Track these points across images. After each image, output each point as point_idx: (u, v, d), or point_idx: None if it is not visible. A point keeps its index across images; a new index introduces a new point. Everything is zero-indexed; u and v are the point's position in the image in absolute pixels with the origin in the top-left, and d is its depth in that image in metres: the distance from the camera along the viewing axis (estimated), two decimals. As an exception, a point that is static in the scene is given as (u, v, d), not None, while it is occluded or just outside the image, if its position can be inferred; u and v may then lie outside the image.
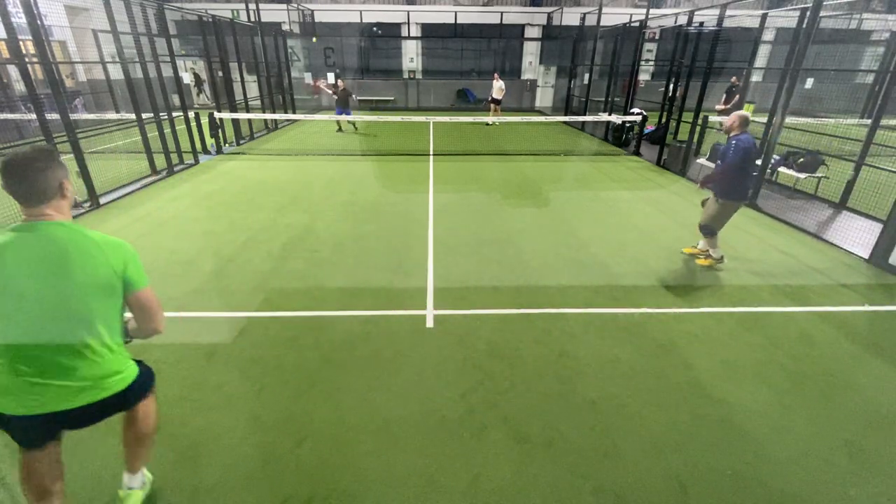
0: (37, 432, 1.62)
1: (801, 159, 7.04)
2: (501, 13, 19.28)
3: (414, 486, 2.23)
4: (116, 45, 7.12)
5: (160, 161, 8.03)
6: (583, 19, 16.35)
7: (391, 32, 19.69)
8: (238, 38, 11.39)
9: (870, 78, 12.89)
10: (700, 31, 8.42)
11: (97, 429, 1.86)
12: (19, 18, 5.67)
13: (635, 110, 10.86)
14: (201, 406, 2.72)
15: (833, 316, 3.79)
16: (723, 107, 11.02)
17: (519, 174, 8.63)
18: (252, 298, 3.94)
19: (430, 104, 19.86)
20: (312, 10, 19.17)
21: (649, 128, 11.03)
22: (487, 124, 14.23)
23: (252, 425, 2.58)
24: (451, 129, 13.64)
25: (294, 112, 15.42)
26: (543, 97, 20.51)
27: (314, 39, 11.16)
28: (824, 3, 5.90)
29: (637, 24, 10.72)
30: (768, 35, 17.21)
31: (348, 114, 12.21)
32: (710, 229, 4.33)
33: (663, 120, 9.84)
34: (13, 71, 11.18)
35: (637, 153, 10.53)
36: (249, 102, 12.30)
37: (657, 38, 18.30)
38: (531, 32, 19.87)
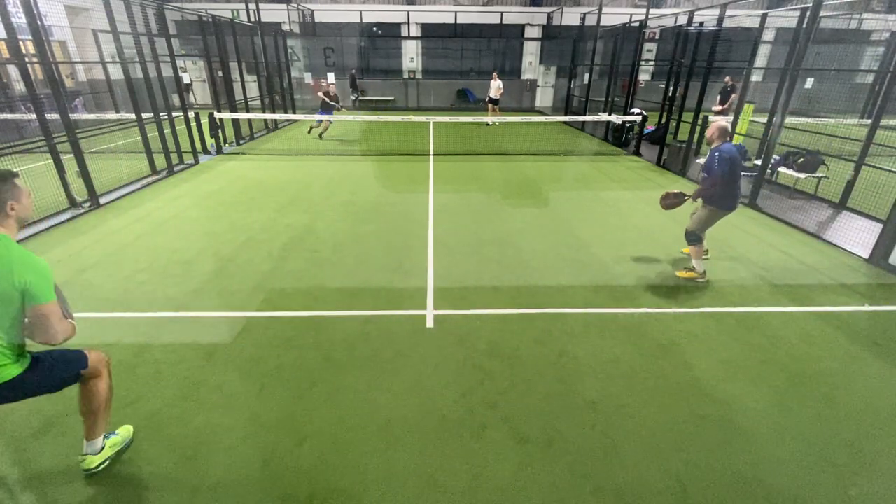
0: None
1: (801, 159, 7.05)
2: (501, 13, 19.29)
3: (414, 486, 2.23)
4: (116, 45, 7.12)
5: (160, 161, 8.03)
6: (583, 19, 16.37)
7: (391, 32, 19.69)
8: (238, 38, 11.39)
9: (870, 78, 12.89)
10: (700, 31, 8.42)
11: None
12: (19, 18, 5.67)
13: (635, 110, 10.86)
14: (201, 406, 2.72)
15: (833, 316, 3.79)
16: (719, 108, 11.02)
17: (519, 174, 8.63)
18: (252, 298, 3.94)
19: (430, 104, 19.87)
20: (312, 10, 19.18)
21: (649, 128, 11.03)
22: (487, 125, 14.23)
23: (252, 425, 2.58)
24: (451, 129, 13.64)
25: (294, 112, 15.42)
26: (543, 97, 20.51)
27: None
28: (824, 3, 5.89)
29: (637, 24, 10.73)
30: (768, 35, 17.21)
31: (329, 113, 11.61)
32: (696, 236, 4.25)
33: (663, 120, 9.84)
34: (13, 71, 11.19)
35: (637, 153, 10.53)
36: (249, 102, 12.30)
37: (657, 38, 18.30)
38: (531, 32, 19.88)
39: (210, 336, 3.41)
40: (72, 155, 5.92)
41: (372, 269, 4.52)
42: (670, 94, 9.44)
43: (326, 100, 11.42)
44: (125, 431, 2.43)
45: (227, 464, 2.33)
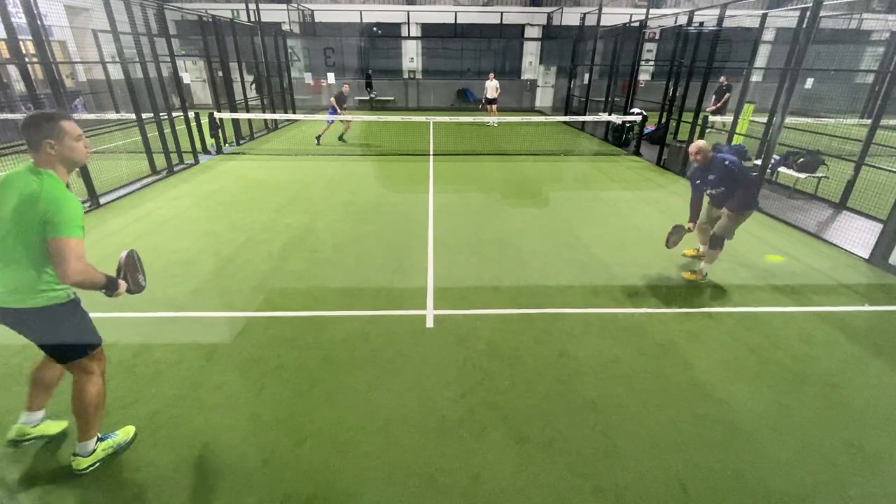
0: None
1: (801, 159, 7.05)
2: (501, 13, 19.28)
3: (414, 486, 2.23)
4: (116, 45, 7.12)
5: (160, 161, 8.03)
6: (583, 19, 16.37)
7: (391, 32, 19.69)
8: (238, 38, 11.38)
9: (870, 78, 12.89)
10: (700, 31, 8.42)
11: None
12: (19, 18, 5.67)
13: (635, 110, 10.86)
14: (201, 406, 2.71)
15: (833, 316, 3.79)
16: (714, 107, 11.03)
17: (519, 174, 8.63)
18: (252, 298, 3.94)
19: (430, 104, 19.87)
20: (312, 10, 19.18)
21: (649, 128, 11.03)
22: (488, 125, 14.23)
23: (252, 425, 2.58)
24: (451, 129, 13.64)
25: (294, 112, 15.42)
26: (543, 97, 20.51)
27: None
28: (824, 3, 5.89)
29: (637, 24, 10.73)
30: (768, 35, 17.21)
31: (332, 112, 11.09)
32: (722, 241, 4.21)
33: (663, 120, 9.84)
34: (13, 71, 11.19)
35: (637, 153, 10.53)
36: (249, 102, 12.29)
37: (657, 38, 18.29)
38: (531, 32, 19.87)
39: (210, 336, 3.41)
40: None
41: (372, 269, 4.52)
42: (670, 94, 9.44)
43: (333, 101, 10.93)
44: (124, 433, 2.42)
45: (227, 464, 2.33)
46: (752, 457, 2.41)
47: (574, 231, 5.62)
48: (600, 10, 13.27)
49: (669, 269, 4.58)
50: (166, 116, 8.19)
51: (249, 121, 11.76)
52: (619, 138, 11.43)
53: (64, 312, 2.04)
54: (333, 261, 4.71)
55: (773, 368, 3.12)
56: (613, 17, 17.79)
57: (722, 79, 11.50)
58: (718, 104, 11.15)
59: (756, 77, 13.48)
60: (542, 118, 13.62)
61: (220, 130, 9.98)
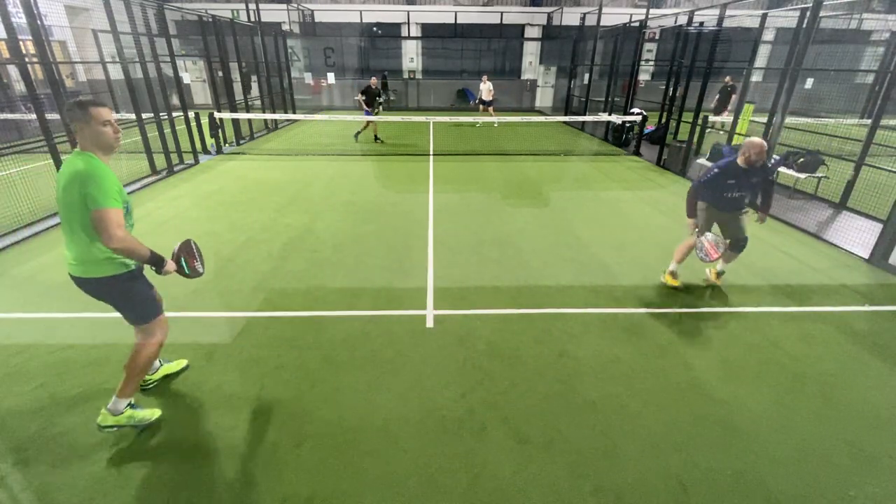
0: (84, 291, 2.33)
1: (801, 159, 7.04)
2: (501, 13, 19.28)
3: (414, 486, 2.23)
4: (116, 45, 7.12)
5: (160, 161, 8.03)
6: (583, 19, 16.37)
7: (391, 32, 19.69)
8: (238, 38, 11.38)
9: (870, 78, 12.89)
10: (700, 31, 8.42)
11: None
12: (19, 18, 5.67)
13: (635, 110, 10.86)
14: (201, 406, 2.71)
15: (833, 316, 3.79)
16: (727, 111, 10.98)
17: (519, 174, 8.63)
18: (252, 298, 3.94)
19: (430, 104, 19.86)
20: (312, 10, 19.18)
21: (649, 128, 11.04)
22: (478, 125, 14.22)
23: (252, 425, 2.58)
24: (451, 129, 13.64)
25: (294, 112, 15.42)
26: (543, 97, 20.51)
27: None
28: (824, 3, 5.89)
29: (637, 24, 10.73)
30: (768, 35, 17.21)
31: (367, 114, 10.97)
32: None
33: (663, 120, 9.84)
34: (13, 71, 11.18)
35: (637, 153, 10.53)
36: (249, 102, 12.29)
37: (657, 38, 18.30)
38: (531, 32, 19.87)
39: (210, 336, 3.41)
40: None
41: (372, 269, 4.52)
42: (670, 94, 9.44)
43: (360, 98, 10.80)
44: (150, 412, 2.57)
45: (227, 464, 2.33)
46: (752, 457, 2.41)
47: (574, 231, 5.62)
48: (600, 10, 13.27)
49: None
50: (166, 116, 8.19)
51: (249, 121, 11.76)
52: (619, 138, 11.44)
53: (124, 281, 2.30)
54: (333, 261, 4.71)
55: (773, 368, 3.12)
56: (613, 17, 17.79)
57: (727, 79, 11.48)
58: (728, 107, 11.15)
59: (756, 77, 13.48)
60: (542, 118, 13.62)
61: (220, 130, 9.98)
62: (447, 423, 2.61)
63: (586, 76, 14.11)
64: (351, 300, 3.94)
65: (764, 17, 9.29)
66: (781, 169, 7.36)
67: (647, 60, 18.39)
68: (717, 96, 11.63)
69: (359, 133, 11.56)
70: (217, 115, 9.87)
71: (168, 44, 8.43)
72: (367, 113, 10.87)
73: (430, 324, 3.60)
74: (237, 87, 11.41)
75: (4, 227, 5.22)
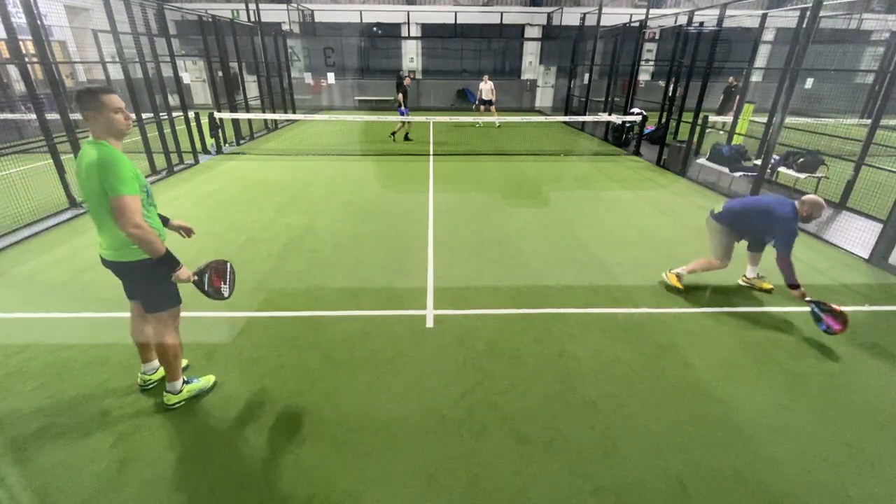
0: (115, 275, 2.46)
1: (801, 159, 7.04)
2: (501, 13, 19.28)
3: (414, 486, 2.23)
4: (116, 45, 7.12)
5: (160, 161, 8.03)
6: (583, 19, 16.35)
7: (391, 32, 19.69)
8: (238, 38, 11.38)
9: (870, 78, 12.89)
10: (700, 31, 8.42)
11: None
12: (19, 18, 5.67)
13: (635, 110, 10.86)
14: (201, 406, 2.71)
15: (833, 316, 3.78)
16: (731, 112, 10.96)
17: (519, 174, 8.63)
18: (252, 298, 3.94)
19: (431, 104, 19.86)
20: (312, 10, 19.17)
21: (649, 128, 11.03)
22: (480, 125, 14.22)
23: (252, 425, 2.58)
24: (451, 129, 13.64)
25: (294, 112, 15.42)
26: (543, 97, 20.50)
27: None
28: (824, 3, 5.89)
29: (637, 24, 10.73)
30: (768, 35, 17.21)
31: (403, 113, 10.89)
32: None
33: (663, 120, 9.84)
34: (13, 71, 11.18)
35: (637, 153, 10.53)
36: (249, 102, 12.29)
37: (657, 38, 18.30)
38: (531, 32, 19.87)
39: (210, 336, 3.41)
40: (72, 155, 5.91)
41: (372, 269, 4.52)
42: (670, 94, 9.44)
43: (401, 96, 10.75)
44: (206, 380, 2.82)
45: (227, 463, 2.33)
46: (752, 457, 2.41)
47: (574, 231, 5.62)
48: (600, 10, 13.27)
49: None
50: (166, 116, 8.19)
51: (249, 121, 11.76)
52: (619, 138, 11.43)
53: (148, 266, 2.34)
54: (333, 261, 4.71)
55: (773, 368, 3.12)
56: (613, 17, 17.79)
57: (731, 79, 11.47)
58: (732, 111, 11.15)
59: (756, 77, 13.49)
60: (542, 118, 13.61)
61: (219, 130, 9.98)
62: (447, 423, 2.61)
63: (586, 76, 14.10)
64: (351, 300, 3.94)
65: (764, 17, 9.30)
66: (781, 169, 7.36)
67: (647, 60, 18.39)
68: (721, 97, 11.63)
69: (395, 133, 11.63)
70: (217, 115, 9.87)
71: (168, 44, 8.43)
72: (404, 112, 10.89)
73: (430, 324, 3.60)
74: (227, 90, 11.36)
75: (4, 227, 5.22)
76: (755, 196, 3.74)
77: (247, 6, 14.07)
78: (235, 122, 10.88)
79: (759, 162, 7.22)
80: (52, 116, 5.98)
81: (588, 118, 12.89)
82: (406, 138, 11.62)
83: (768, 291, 4.17)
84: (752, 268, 4.25)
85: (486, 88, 14.22)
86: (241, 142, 11.23)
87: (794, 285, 3.52)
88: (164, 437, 2.48)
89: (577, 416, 2.68)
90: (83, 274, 4.30)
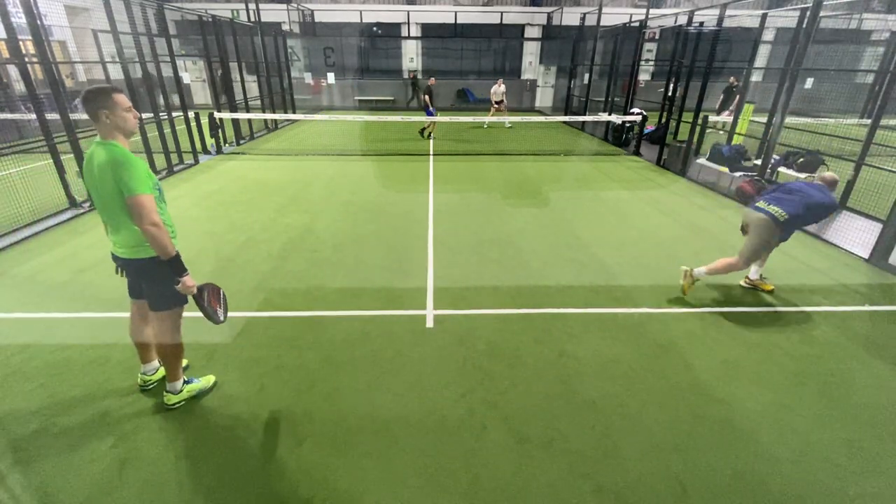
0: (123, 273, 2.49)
1: (801, 159, 7.04)
2: (501, 13, 19.28)
3: (414, 486, 2.23)
4: (116, 45, 7.12)
5: (160, 161, 8.03)
6: (583, 19, 16.35)
7: (391, 32, 19.69)
8: (238, 38, 11.38)
9: (870, 78, 12.89)
10: (700, 31, 8.42)
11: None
12: (19, 18, 5.67)
13: (635, 110, 10.86)
14: (201, 406, 2.71)
15: (833, 316, 3.79)
16: (729, 112, 10.96)
17: (519, 174, 8.62)
18: (252, 298, 3.94)
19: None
20: (312, 10, 19.18)
21: (649, 128, 11.03)
22: (487, 125, 14.22)
23: (252, 425, 2.58)
24: (451, 129, 13.64)
25: (294, 112, 15.42)
26: (543, 97, 20.51)
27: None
28: (824, 3, 5.89)
29: (637, 24, 10.73)
30: (768, 35, 17.21)
31: (430, 113, 11.55)
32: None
33: (663, 120, 9.83)
34: (13, 71, 11.18)
35: (637, 153, 10.53)
36: (249, 102, 12.29)
37: (657, 38, 18.30)
38: (531, 32, 19.87)
39: (210, 336, 3.41)
40: (72, 155, 5.91)
41: (372, 269, 4.52)
42: (670, 94, 9.43)
43: (427, 98, 11.61)
44: (206, 380, 2.83)
45: (227, 463, 2.33)
46: (752, 457, 2.41)
47: (574, 231, 5.62)
48: (600, 10, 13.27)
49: (669, 270, 4.57)
50: (166, 116, 8.19)
51: (249, 121, 11.76)
52: (619, 138, 11.43)
53: (158, 263, 2.34)
54: (333, 261, 4.71)
55: (773, 368, 3.12)
56: (613, 17, 17.79)
57: (731, 79, 11.47)
58: (731, 106, 11.15)
59: (756, 77, 13.48)
60: (542, 118, 13.62)
61: (219, 130, 9.98)
62: (447, 423, 2.61)
63: (586, 76, 14.11)
64: (351, 300, 3.94)
65: (764, 17, 9.30)
66: (781, 169, 7.36)
67: (647, 60, 18.39)
68: (721, 97, 11.63)
69: (425, 129, 12.10)
70: (217, 115, 9.87)
71: (168, 44, 8.43)
72: (432, 112, 11.58)
73: (430, 324, 3.60)
74: (237, 87, 11.38)
75: (4, 227, 5.22)
76: (795, 195, 3.69)
77: (247, 6, 14.08)
78: (235, 122, 10.88)
79: (759, 162, 7.22)
80: (52, 116, 5.98)
81: (588, 118, 12.90)
82: (429, 136, 12.09)
83: (770, 292, 4.18)
84: (757, 269, 4.25)
85: (500, 91, 14.21)
86: (241, 142, 11.23)
87: None
88: (164, 437, 2.48)
89: (577, 416, 2.68)
90: (83, 274, 4.30)
